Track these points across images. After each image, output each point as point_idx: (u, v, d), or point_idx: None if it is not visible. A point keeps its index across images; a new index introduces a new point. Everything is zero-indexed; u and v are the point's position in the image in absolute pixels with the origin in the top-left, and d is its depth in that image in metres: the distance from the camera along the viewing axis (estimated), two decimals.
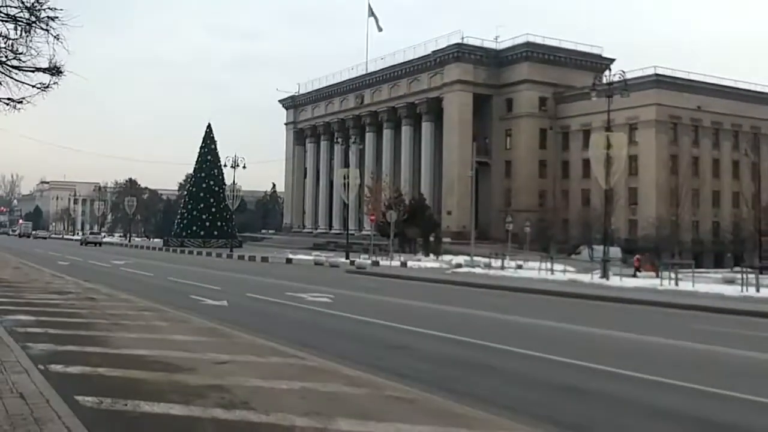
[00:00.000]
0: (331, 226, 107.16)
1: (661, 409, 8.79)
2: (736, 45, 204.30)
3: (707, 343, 14.99)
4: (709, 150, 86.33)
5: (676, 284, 33.36)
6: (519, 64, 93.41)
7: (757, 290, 29.91)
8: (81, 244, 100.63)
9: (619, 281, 35.77)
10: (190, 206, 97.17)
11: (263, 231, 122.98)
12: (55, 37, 13.46)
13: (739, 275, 35.11)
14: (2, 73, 14.30)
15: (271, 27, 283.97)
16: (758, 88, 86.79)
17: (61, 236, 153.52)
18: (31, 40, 13.66)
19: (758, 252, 62.84)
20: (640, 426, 7.96)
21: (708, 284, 34.75)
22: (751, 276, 32.43)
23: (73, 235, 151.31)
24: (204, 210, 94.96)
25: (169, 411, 7.50)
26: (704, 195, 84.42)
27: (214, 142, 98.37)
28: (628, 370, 11.16)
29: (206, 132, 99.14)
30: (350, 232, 76.68)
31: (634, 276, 38.77)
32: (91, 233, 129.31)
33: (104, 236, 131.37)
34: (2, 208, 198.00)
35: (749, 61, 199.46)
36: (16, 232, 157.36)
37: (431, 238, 73.66)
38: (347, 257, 58.31)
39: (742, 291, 30.26)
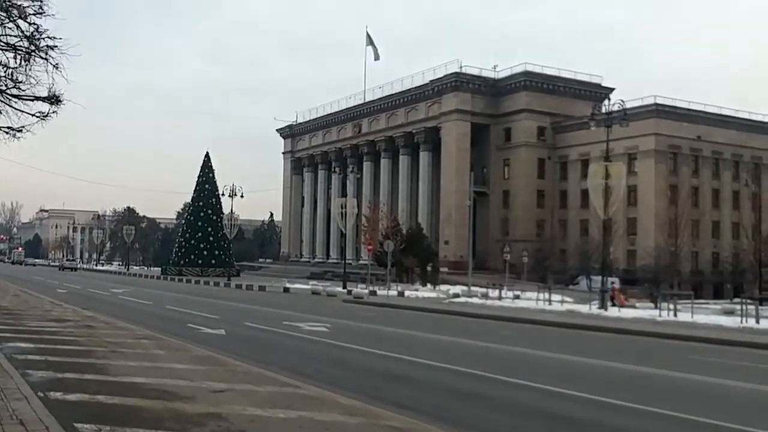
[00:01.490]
0: (328, 256, 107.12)
1: None
2: (739, 74, 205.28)
3: (703, 374, 15.03)
4: (709, 180, 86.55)
5: (675, 315, 33.36)
6: (517, 93, 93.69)
7: (757, 321, 29.94)
8: (59, 270, 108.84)
9: (618, 312, 35.73)
10: (188, 235, 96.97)
11: (261, 260, 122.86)
12: (54, 66, 13.58)
13: (738, 306, 35.16)
14: (2, 101, 14.42)
15: (270, 56, 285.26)
16: (759, 118, 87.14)
17: (48, 264, 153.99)
18: (30, 69, 13.77)
19: (758, 283, 62.78)
20: None
21: (707, 315, 34.76)
22: (751, 307, 32.51)
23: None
24: (202, 239, 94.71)
25: None
26: (704, 225, 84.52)
27: (212, 170, 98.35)
28: (617, 400, 11.29)
29: (204, 161, 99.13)
30: (347, 261, 76.26)
31: (605, 307, 38.64)
32: (68, 260, 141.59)
33: (80, 263, 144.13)
34: (2, 236, 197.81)
35: (753, 90, 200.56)
36: (10, 260, 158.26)
37: (428, 268, 73.40)
38: (344, 287, 58.10)
39: (741, 322, 30.28)
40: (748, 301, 37.53)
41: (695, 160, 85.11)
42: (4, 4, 12.74)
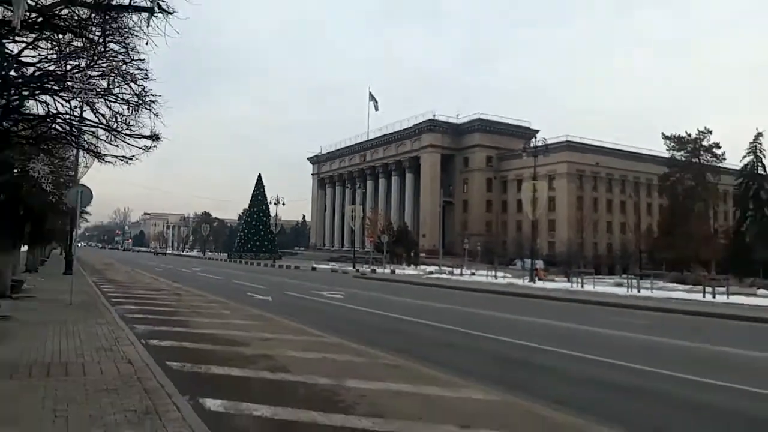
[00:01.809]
0: (342, 245, 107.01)
1: (550, 366, 8.87)
2: (628, 116, 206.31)
3: (601, 327, 15.04)
4: (604, 193, 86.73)
5: (582, 286, 33.53)
6: (473, 133, 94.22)
7: (639, 291, 30.21)
8: (154, 254, 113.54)
9: (542, 284, 35.84)
10: (246, 231, 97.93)
11: (296, 248, 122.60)
12: (155, 114, 13.71)
13: (625, 280, 35.39)
14: (119, 139, 14.54)
15: (299, 102, 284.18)
16: (637, 151, 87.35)
17: (148, 251, 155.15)
18: (138, 116, 13.88)
19: (639, 264, 62.86)
20: (556, 380, 8.06)
21: (604, 286, 34.87)
22: (634, 281, 33.02)
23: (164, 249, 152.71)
24: (255, 233, 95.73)
25: (230, 372, 7.64)
26: (601, 225, 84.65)
27: (262, 186, 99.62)
28: (545, 345, 11.28)
29: (257, 180, 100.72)
30: (356, 249, 76.67)
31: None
32: (159, 248, 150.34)
33: (169, 250, 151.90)
34: (117, 231, 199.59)
35: (637, 128, 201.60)
36: (122, 248, 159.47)
37: (412, 254, 73.81)
38: (354, 266, 58.19)
39: (627, 291, 30.47)
40: (632, 276, 37.85)
41: (594, 180, 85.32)
42: (121, 72, 12.81)
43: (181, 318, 13.47)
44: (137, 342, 9.31)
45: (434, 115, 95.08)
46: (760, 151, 64.04)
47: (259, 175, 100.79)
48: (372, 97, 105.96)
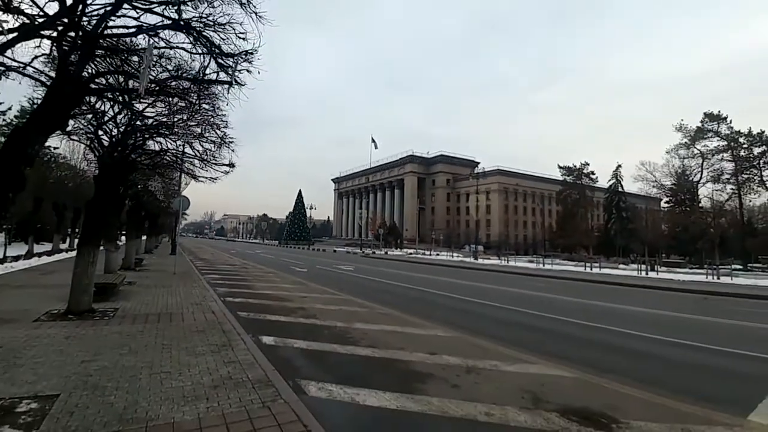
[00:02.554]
0: (354, 235, 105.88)
1: (490, 314, 8.85)
2: (537, 152, 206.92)
3: (525, 288, 15.05)
4: (522, 203, 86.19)
5: (508, 262, 33.57)
6: (437, 164, 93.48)
7: (543, 265, 30.19)
8: (226, 241, 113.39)
9: (481, 261, 35.84)
10: (290, 226, 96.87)
11: (324, 237, 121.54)
12: (232, 150, 13.62)
13: (534, 259, 35.47)
14: (208, 166, 14.48)
15: (332, 147, 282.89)
16: (543, 175, 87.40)
17: (223, 239, 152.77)
18: (220, 152, 13.83)
19: (543, 248, 62.93)
20: (482, 319, 8.06)
21: (523, 263, 34.92)
22: (540, 259, 32.90)
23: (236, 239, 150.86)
24: (296, 228, 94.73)
25: (279, 319, 7.55)
26: (520, 223, 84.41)
27: (302, 197, 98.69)
28: (486, 300, 11.22)
29: (298, 193, 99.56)
30: (362, 238, 76.51)
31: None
32: (230, 237, 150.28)
33: (237, 238, 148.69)
34: (206, 226, 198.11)
35: (544, 160, 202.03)
36: (210, 237, 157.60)
37: (398, 241, 73.51)
38: (361, 249, 57.73)
39: (536, 266, 30.46)
40: (539, 256, 37.96)
41: (516, 194, 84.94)
42: (209, 123, 12.81)
43: (248, 283, 13.34)
44: (218, 299, 9.22)
45: (413, 152, 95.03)
46: (620, 177, 64.74)
47: (299, 190, 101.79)
48: (373, 140, 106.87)
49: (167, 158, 14.38)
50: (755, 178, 48.31)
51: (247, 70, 7.03)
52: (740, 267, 37.76)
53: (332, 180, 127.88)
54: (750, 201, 51.26)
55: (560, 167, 70.74)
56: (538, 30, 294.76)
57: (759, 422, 3.75)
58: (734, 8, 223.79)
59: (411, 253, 50.13)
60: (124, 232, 25.51)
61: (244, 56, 6.98)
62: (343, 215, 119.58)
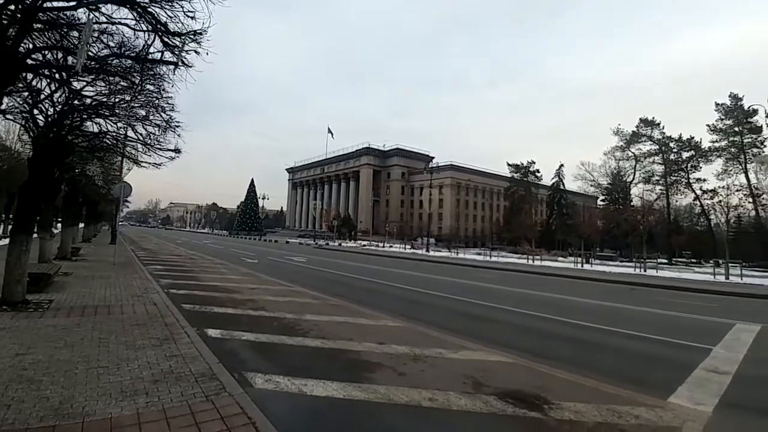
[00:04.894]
0: (307, 226, 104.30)
1: (419, 299, 9.09)
2: (488, 150, 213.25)
3: (465, 278, 15.44)
4: (473, 198, 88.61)
5: (458, 254, 34.51)
6: (393, 157, 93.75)
7: (490, 257, 31.34)
8: (165, 230, 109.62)
9: (433, 254, 36.59)
10: (242, 216, 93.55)
11: (276, 228, 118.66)
12: (178, 135, 13.03)
13: (482, 251, 36.72)
14: (152, 151, 13.80)
15: (288, 136, 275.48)
16: (493, 172, 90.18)
17: (167, 228, 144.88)
18: (165, 136, 13.27)
19: (491, 241, 65.31)
20: (422, 307, 8.29)
21: (471, 255, 36.01)
22: (488, 251, 34.08)
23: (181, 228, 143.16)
24: (248, 218, 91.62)
25: (226, 311, 7.34)
26: (470, 217, 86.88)
27: (254, 187, 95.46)
28: (432, 291, 11.49)
29: (251, 182, 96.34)
30: (316, 229, 75.63)
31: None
32: (169, 226, 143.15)
33: (183, 228, 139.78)
34: (150, 215, 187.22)
35: (494, 157, 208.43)
36: (154, 227, 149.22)
37: (353, 233, 73.39)
38: (314, 241, 56.91)
39: (484, 258, 31.56)
40: (487, 249, 39.33)
41: (467, 189, 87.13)
42: (154, 105, 12.23)
43: (194, 274, 12.79)
44: (161, 291, 8.78)
45: (369, 144, 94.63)
46: (562, 175, 68.42)
47: (252, 179, 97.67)
48: (329, 131, 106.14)
49: (107, 141, 13.55)
50: (682, 180, 52.97)
51: (196, 51, 6.70)
52: (665, 261, 41.26)
53: (286, 170, 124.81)
54: (677, 201, 56.26)
55: (509, 165, 73.63)
56: (493, 30, 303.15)
57: (678, 404, 4.09)
58: (672, 24, 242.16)
59: (365, 245, 50.31)
60: (59, 220, 23.70)
61: (192, 36, 6.64)
62: (297, 206, 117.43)
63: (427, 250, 38.96)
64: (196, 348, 4.78)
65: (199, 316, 6.75)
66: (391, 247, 48.32)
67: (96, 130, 12.88)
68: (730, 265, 22.74)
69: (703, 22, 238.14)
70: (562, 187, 67.99)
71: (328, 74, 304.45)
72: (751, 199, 45.12)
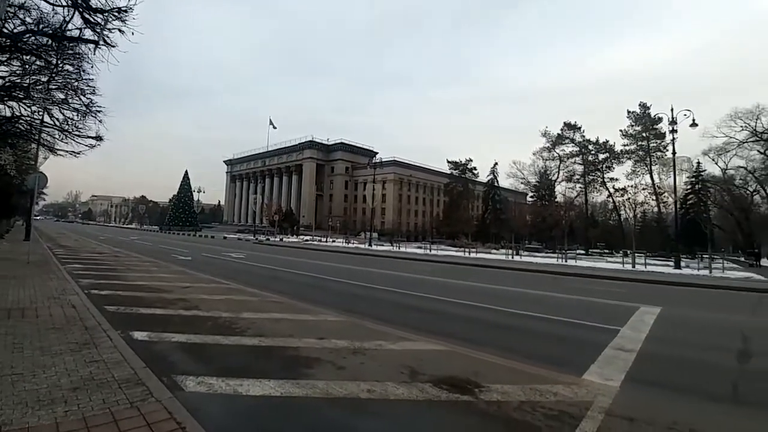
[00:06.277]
0: (247, 221, 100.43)
1: (352, 291, 9.19)
2: (429, 147, 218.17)
3: (405, 271, 15.72)
4: (414, 193, 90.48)
5: (400, 248, 35.04)
6: (337, 151, 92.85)
7: (430, 251, 32.20)
8: (81, 224, 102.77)
9: (375, 248, 36.88)
10: (174, 210, 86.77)
11: (213, 223, 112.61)
12: (99, 121, 12.20)
13: (422, 245, 37.63)
14: (70, 138, 12.71)
15: (224, 125, 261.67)
16: (434, 168, 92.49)
17: (95, 224, 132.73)
18: (85, 122, 12.29)
19: (431, 235, 67.17)
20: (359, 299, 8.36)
21: (412, 248, 36.71)
22: (428, 245, 34.99)
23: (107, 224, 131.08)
24: (182, 212, 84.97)
25: (155, 312, 6.88)
26: (412, 212, 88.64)
27: (188, 178, 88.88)
28: (373, 285, 11.57)
29: (185, 174, 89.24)
30: (256, 224, 73.15)
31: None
32: (85, 221, 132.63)
33: (107, 222, 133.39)
34: (69, 209, 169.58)
35: (434, 155, 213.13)
36: (72, 222, 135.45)
37: (295, 228, 71.77)
38: (254, 236, 55.01)
39: (424, 251, 32.34)
40: (427, 243, 40.40)
41: (409, 184, 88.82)
42: (73, 87, 11.23)
43: (118, 273, 11.79)
44: (81, 292, 8.01)
45: (313, 138, 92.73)
46: (496, 173, 72.03)
47: (186, 171, 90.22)
48: (271, 122, 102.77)
49: (20, 126, 12.19)
50: (599, 179, 58.04)
51: (120, 30, 6.18)
52: (583, 252, 44.94)
53: (225, 162, 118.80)
54: (593, 198, 61.54)
55: (449, 162, 76.07)
56: (440, 30, 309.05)
57: (591, 380, 4.50)
58: (597, 40, 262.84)
59: (307, 240, 49.51)
60: None
61: (116, 14, 6.10)
62: (236, 200, 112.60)
63: (370, 245, 39.16)
64: (120, 352, 4.43)
65: (124, 319, 6.25)
66: (334, 241, 48.01)
67: (8, 114, 11.63)
68: (636, 255, 25.33)
69: (619, 40, 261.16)
70: (496, 184, 71.50)
71: (278, 66, 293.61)
72: (654, 197, 50.46)
